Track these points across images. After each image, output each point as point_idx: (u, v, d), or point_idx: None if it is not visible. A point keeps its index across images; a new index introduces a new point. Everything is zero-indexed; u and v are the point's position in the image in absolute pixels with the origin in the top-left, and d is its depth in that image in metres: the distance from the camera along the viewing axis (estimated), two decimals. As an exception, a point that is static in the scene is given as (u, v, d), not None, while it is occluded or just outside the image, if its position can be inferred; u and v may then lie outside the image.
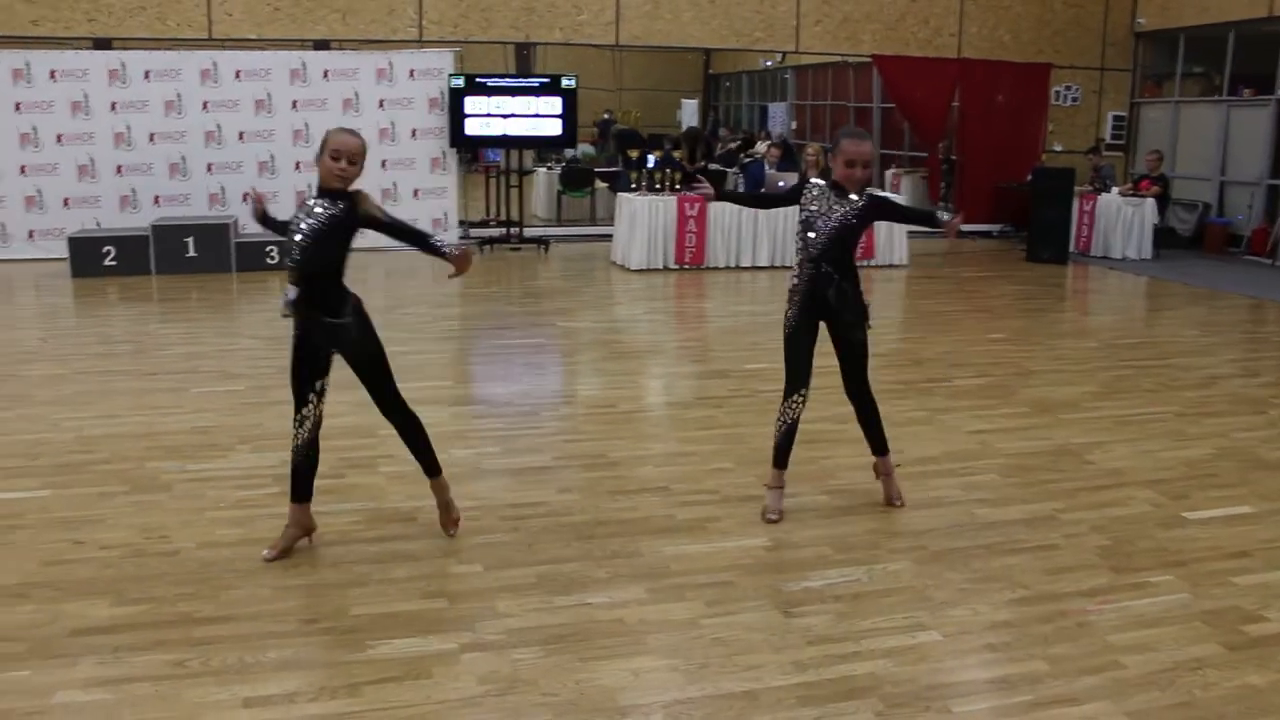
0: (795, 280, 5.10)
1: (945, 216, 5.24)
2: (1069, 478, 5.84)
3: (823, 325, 5.12)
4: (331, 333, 4.50)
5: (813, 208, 5.00)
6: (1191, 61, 16.55)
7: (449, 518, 4.92)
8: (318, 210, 4.42)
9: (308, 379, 4.60)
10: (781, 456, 5.19)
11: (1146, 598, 4.37)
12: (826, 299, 5.01)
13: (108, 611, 4.14)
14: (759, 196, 5.27)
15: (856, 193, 4.98)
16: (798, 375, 5.09)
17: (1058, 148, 17.15)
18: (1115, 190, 14.97)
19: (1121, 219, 14.63)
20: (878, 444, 5.36)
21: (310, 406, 4.61)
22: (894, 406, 7.06)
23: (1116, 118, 17.33)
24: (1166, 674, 3.76)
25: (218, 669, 3.73)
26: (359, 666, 3.76)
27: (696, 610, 4.21)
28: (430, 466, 4.84)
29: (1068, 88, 17.04)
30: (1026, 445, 6.38)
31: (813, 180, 5.16)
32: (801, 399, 5.11)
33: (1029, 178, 15.12)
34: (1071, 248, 14.56)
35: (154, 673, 3.70)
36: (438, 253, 4.50)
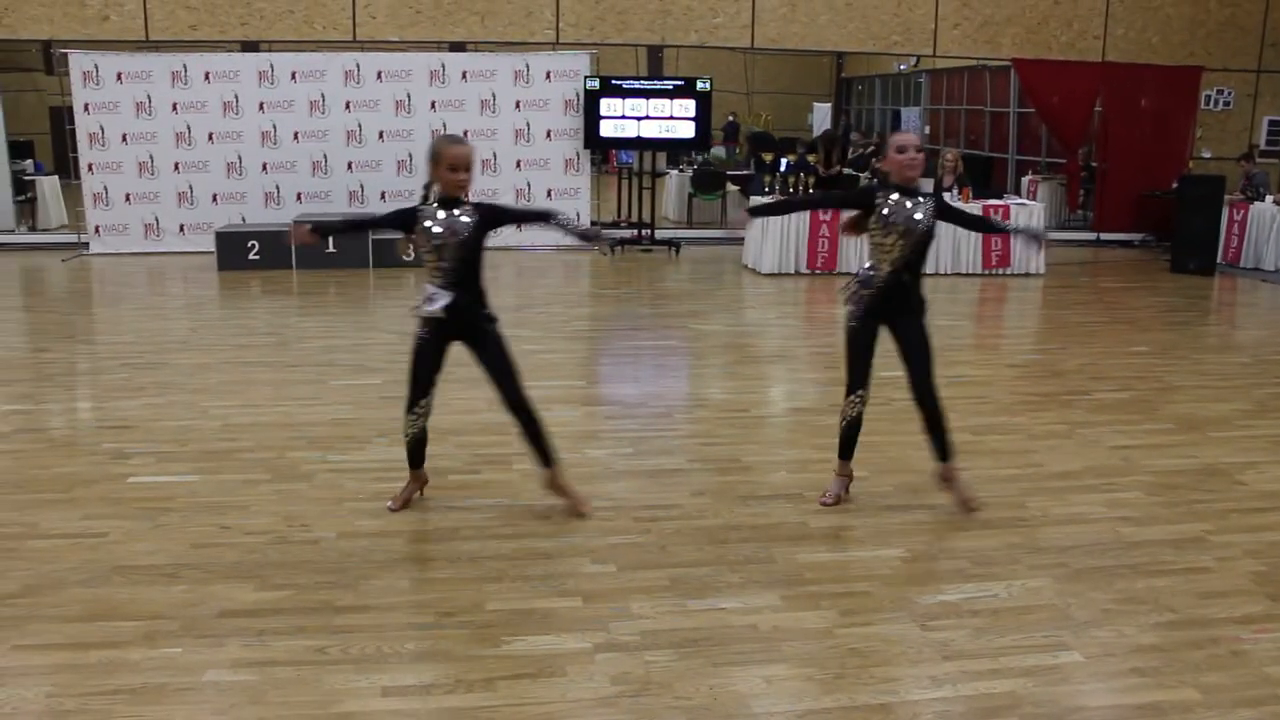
0: (866, 283, 5.06)
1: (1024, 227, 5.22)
2: (1220, 498, 5.60)
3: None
4: (481, 328, 4.85)
5: (892, 215, 4.97)
6: (1356, 65, 15.79)
7: (577, 500, 5.15)
8: (463, 219, 4.73)
9: (433, 373, 4.95)
10: (847, 450, 5.33)
11: (1307, 628, 4.17)
12: (894, 303, 5.05)
13: (253, 595, 4.28)
14: (823, 197, 5.25)
15: (920, 190, 5.04)
16: (861, 375, 5.15)
17: (1206, 154, 16.50)
18: (1269, 199, 14.34)
19: (1275, 228, 13.99)
20: (944, 449, 5.23)
21: (429, 398, 4.99)
22: (1032, 419, 6.91)
23: (1273, 122, 16.60)
24: (1330, 710, 3.58)
25: (357, 657, 3.81)
26: (494, 661, 3.80)
27: (831, 619, 4.16)
28: (548, 456, 5.07)
29: (1219, 91, 16.38)
30: (1172, 463, 6.15)
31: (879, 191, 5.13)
32: (860, 399, 5.19)
33: (1175, 185, 14.60)
34: (1219, 259, 14.00)
35: (296, 657, 3.80)
36: (565, 229, 4.98)
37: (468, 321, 4.84)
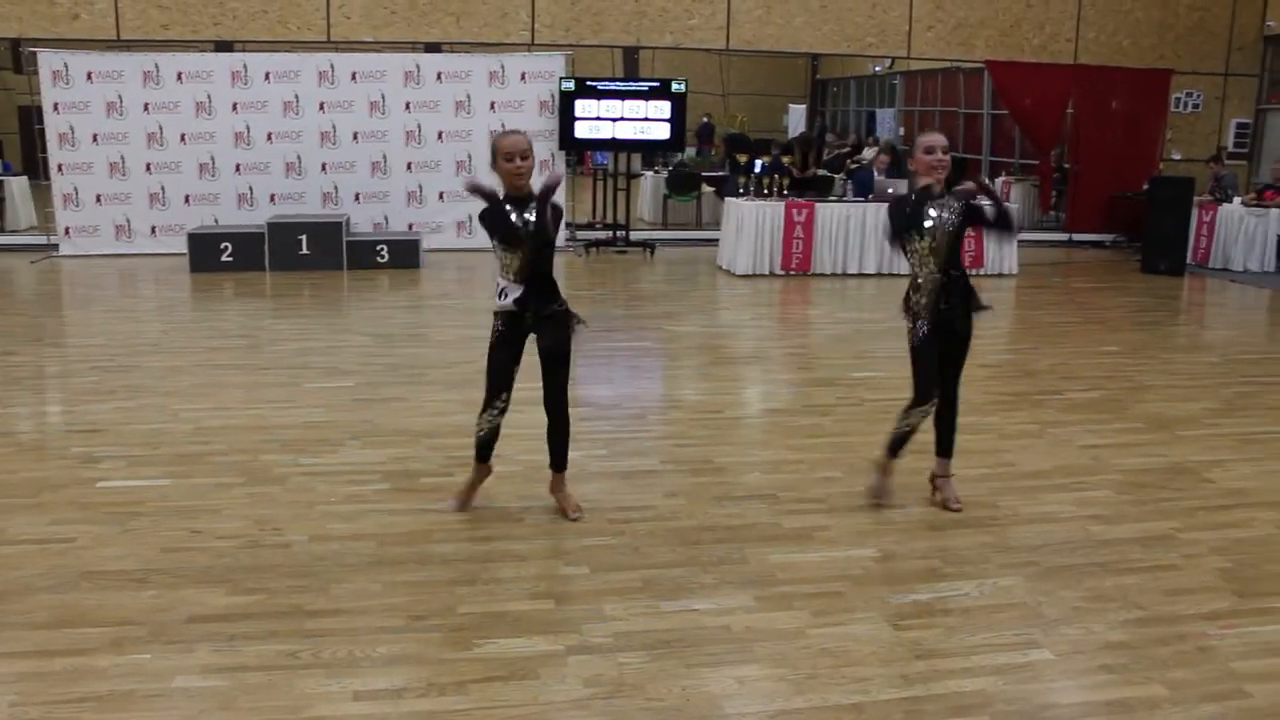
0: (925, 289, 5.12)
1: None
2: (1187, 496, 5.65)
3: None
4: (555, 319, 4.92)
5: (928, 220, 5.06)
6: (1323, 67, 15.96)
7: (572, 505, 5.16)
8: (536, 219, 4.77)
9: (511, 368, 4.96)
10: (896, 449, 5.31)
11: (1273, 624, 4.21)
12: (954, 304, 5.12)
13: (224, 600, 4.25)
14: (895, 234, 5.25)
15: (946, 189, 5.11)
16: (932, 384, 5.15)
17: (1176, 156, 16.64)
18: (1237, 200, 14.48)
19: (1243, 230, 14.14)
20: (950, 445, 5.37)
21: (508, 393, 4.97)
22: (1004, 418, 6.95)
23: (1240, 125, 16.76)
24: (1295, 705, 3.62)
25: (328, 661, 3.80)
26: (466, 664, 3.80)
27: (803, 620, 4.17)
28: (563, 462, 5.17)
29: (1189, 94, 16.53)
30: (1142, 462, 6.20)
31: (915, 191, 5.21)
32: (932, 407, 5.17)
33: (1145, 186, 14.71)
34: (1189, 259, 14.12)
35: (267, 662, 3.78)
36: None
37: (541, 314, 4.88)
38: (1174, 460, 6.23)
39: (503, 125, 14.00)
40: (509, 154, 4.76)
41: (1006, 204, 5.48)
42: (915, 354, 5.18)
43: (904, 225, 5.13)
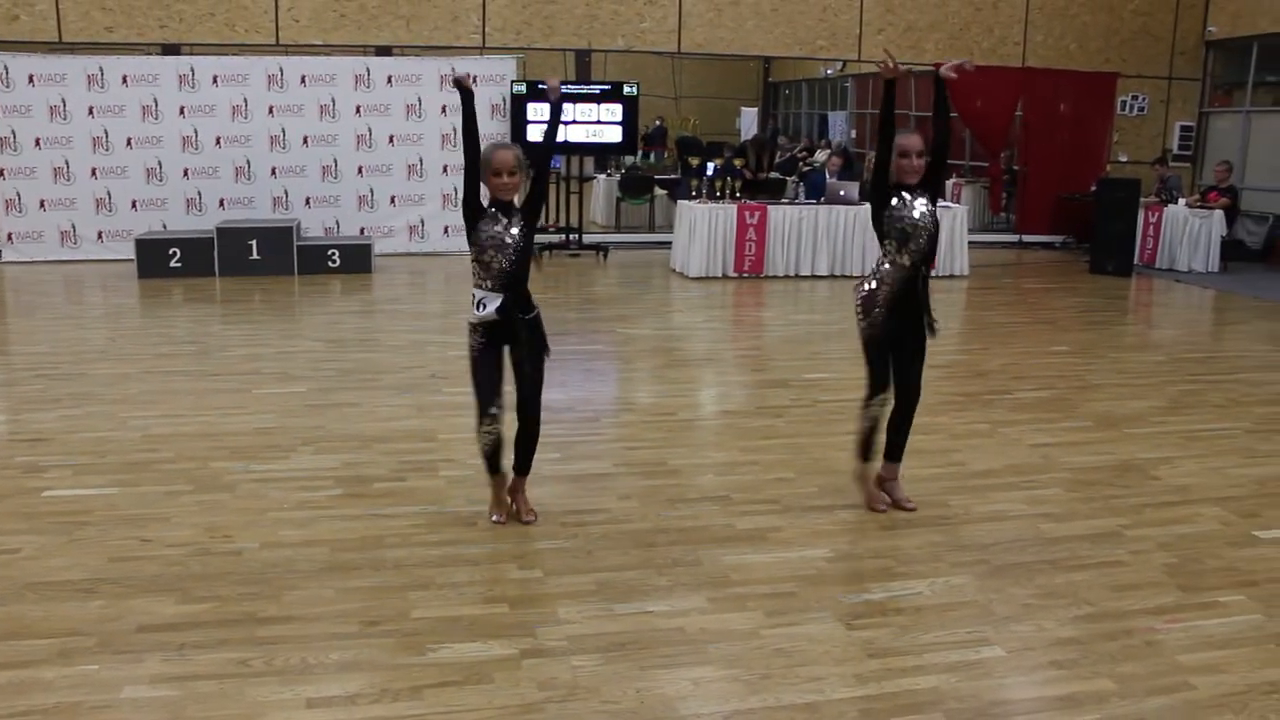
0: (883, 287, 5.11)
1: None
2: (1135, 493, 5.74)
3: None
4: (529, 327, 4.94)
5: (905, 217, 5.05)
6: (1264, 71, 16.23)
7: (527, 509, 5.18)
8: (515, 229, 4.84)
9: (496, 377, 4.95)
10: (867, 451, 5.32)
11: (1217, 618, 4.28)
12: (916, 300, 5.10)
13: (173, 609, 4.20)
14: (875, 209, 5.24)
15: (922, 190, 5.10)
16: (886, 375, 5.17)
17: (1123, 158, 16.90)
18: (1182, 202, 14.72)
19: (1188, 231, 14.38)
20: (900, 451, 5.38)
21: (500, 400, 4.94)
22: (955, 418, 7.01)
23: (1184, 128, 17.05)
24: (1239, 697, 3.67)
25: (281, 669, 3.76)
26: (420, 670, 3.78)
27: (757, 620, 4.18)
28: (527, 466, 5.18)
29: (1134, 97, 16.79)
30: (1090, 460, 6.28)
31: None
32: (888, 398, 5.19)
33: (1093, 188, 14.92)
34: (1136, 260, 14.33)
35: (218, 671, 3.74)
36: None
37: (517, 323, 4.88)
38: (1122, 458, 6.32)
39: (454, 129, 13.99)
40: (498, 170, 4.78)
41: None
42: (867, 345, 5.19)
43: (885, 199, 5.10)
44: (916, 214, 5.05)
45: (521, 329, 4.90)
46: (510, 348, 4.96)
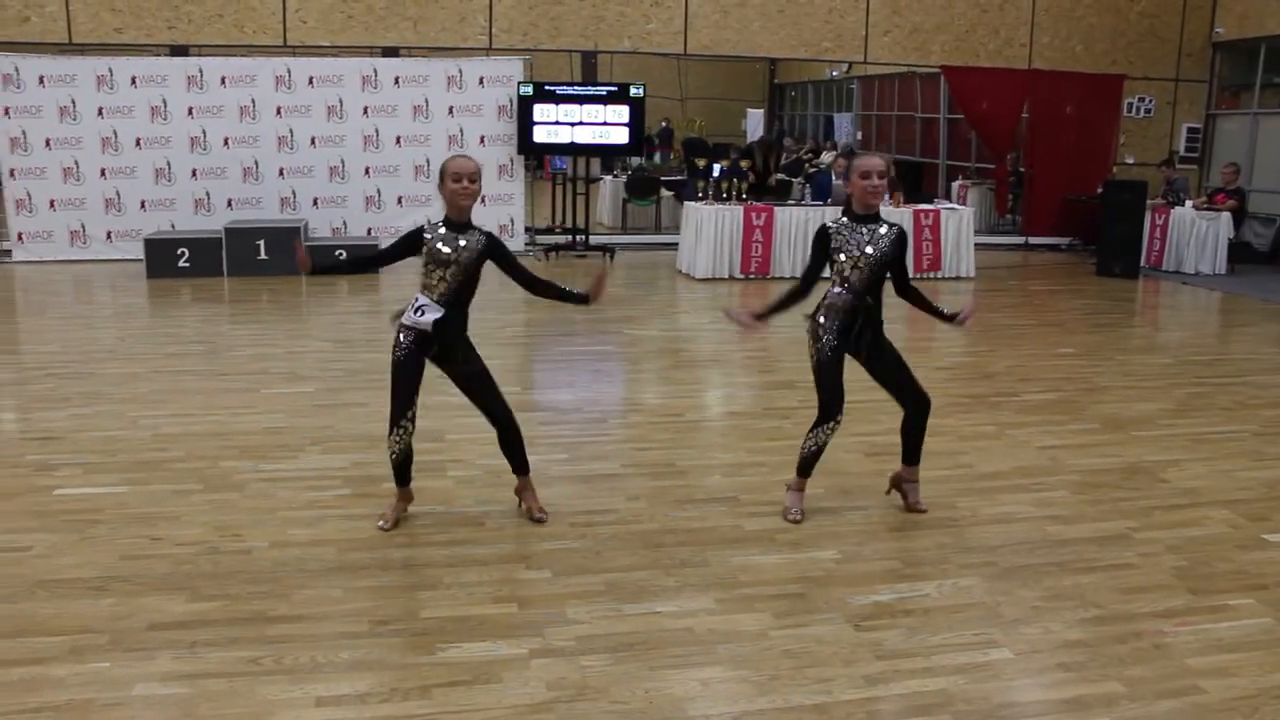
0: (835, 308, 5.07)
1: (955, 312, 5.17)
2: (1143, 496, 5.74)
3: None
4: (463, 349, 4.92)
5: (844, 252, 4.99)
6: (1271, 72, 16.21)
7: (538, 507, 5.17)
8: (468, 244, 4.80)
9: (416, 385, 4.89)
10: (808, 469, 5.27)
11: (1226, 621, 4.28)
12: (863, 331, 5.04)
13: (184, 607, 4.22)
14: (804, 281, 5.22)
15: (881, 218, 5.01)
16: (836, 401, 5.09)
17: (1129, 160, 16.88)
18: (1189, 204, 14.70)
19: (1195, 233, 14.36)
20: (916, 453, 5.33)
21: (414, 411, 4.88)
22: (962, 420, 7.01)
23: (1191, 130, 17.03)
24: (1249, 701, 3.67)
25: (290, 667, 3.78)
26: (429, 669, 3.79)
27: (766, 621, 4.19)
28: (524, 465, 5.16)
29: (1141, 99, 16.77)
30: (1098, 462, 6.28)
31: (830, 224, 5.12)
32: (837, 424, 5.12)
33: (1099, 190, 14.90)
34: (1143, 262, 14.32)
35: (229, 669, 3.75)
36: (572, 297, 5.03)
37: (451, 340, 4.85)
38: (1129, 460, 6.32)
39: (461, 130, 14.04)
40: (457, 174, 4.74)
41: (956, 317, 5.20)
42: (818, 371, 5.12)
43: (823, 260, 5.07)
44: (852, 246, 4.98)
45: (458, 347, 4.88)
46: (442, 362, 4.92)
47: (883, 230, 5.00)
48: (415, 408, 4.88)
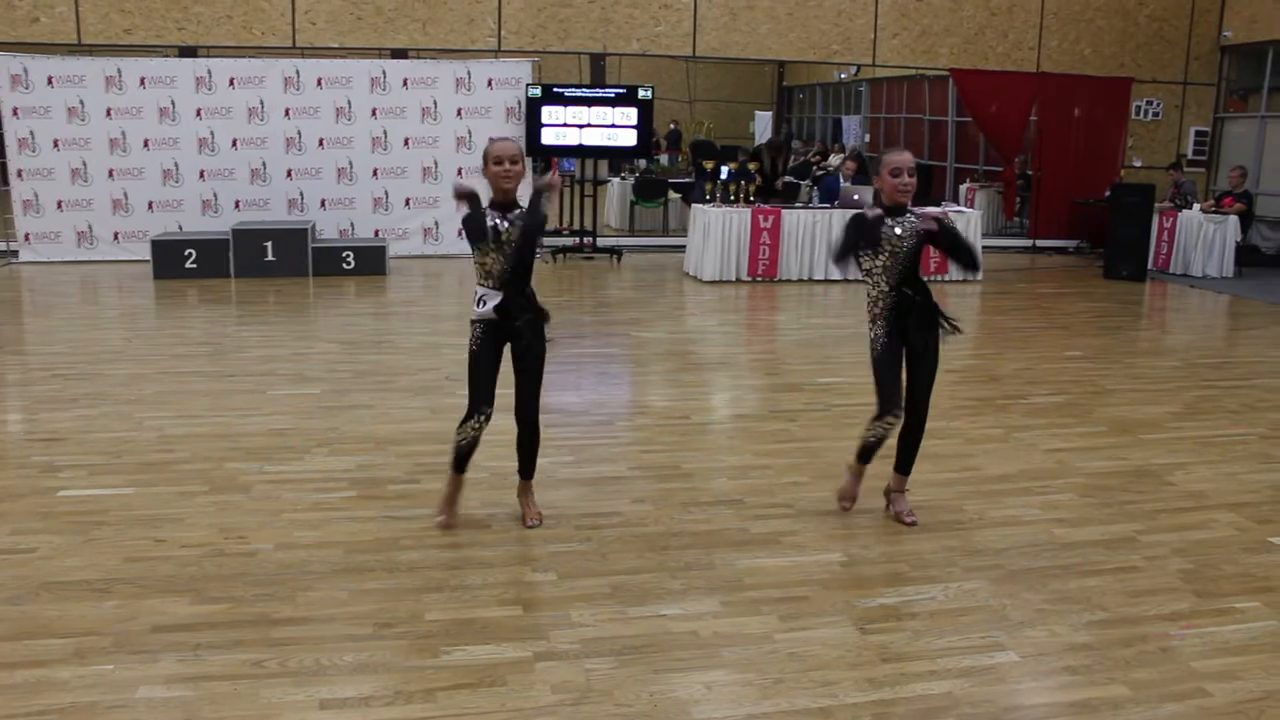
0: (879, 305, 5.05)
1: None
2: (1149, 499, 5.72)
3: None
4: (531, 327, 4.90)
5: (883, 238, 4.95)
6: None
7: (533, 512, 5.17)
8: (515, 225, 4.82)
9: (493, 376, 4.93)
10: (866, 457, 5.23)
11: (1232, 624, 4.27)
12: (912, 323, 5.00)
13: (188, 609, 4.22)
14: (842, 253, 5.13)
15: (909, 209, 5.00)
16: (894, 397, 5.05)
17: (1137, 163, 16.85)
18: (1197, 207, 14.67)
19: (1203, 236, 14.33)
20: (909, 463, 5.31)
21: (490, 407, 4.91)
22: (969, 423, 7.00)
23: (1199, 133, 16.99)
24: (1255, 704, 3.66)
25: (295, 670, 3.77)
26: (434, 672, 3.78)
27: (771, 624, 4.18)
28: (531, 470, 5.19)
29: (1149, 102, 16.74)
30: (1105, 465, 6.26)
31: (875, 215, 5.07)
32: (894, 420, 5.07)
33: (1107, 193, 14.88)
34: (1150, 265, 14.29)
35: (233, 671, 3.75)
36: (534, 211, 4.87)
37: (517, 319, 4.87)
38: (1136, 463, 6.30)
39: (469, 132, 14.04)
40: (498, 158, 4.80)
41: (969, 242, 5.21)
42: (875, 365, 5.09)
43: (855, 244, 4.99)
44: (884, 240, 4.94)
45: (524, 329, 4.88)
46: (511, 346, 4.95)
47: (912, 219, 4.99)
48: (492, 401, 4.90)
